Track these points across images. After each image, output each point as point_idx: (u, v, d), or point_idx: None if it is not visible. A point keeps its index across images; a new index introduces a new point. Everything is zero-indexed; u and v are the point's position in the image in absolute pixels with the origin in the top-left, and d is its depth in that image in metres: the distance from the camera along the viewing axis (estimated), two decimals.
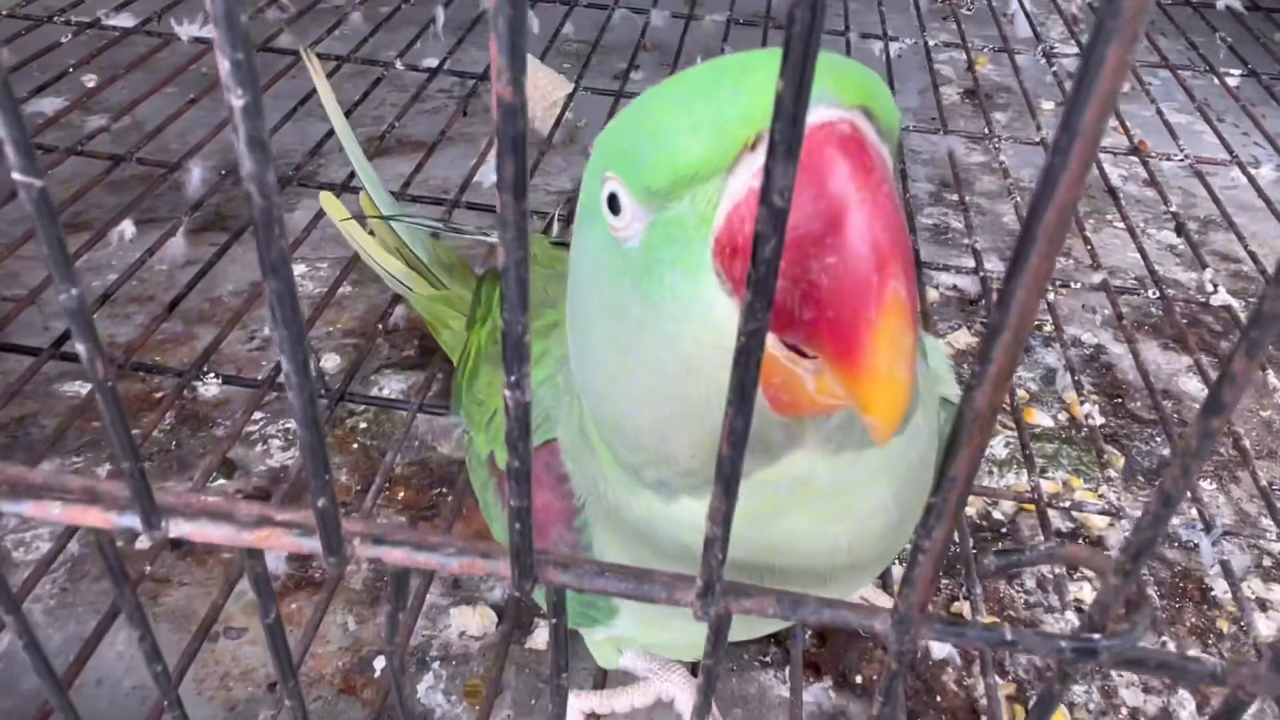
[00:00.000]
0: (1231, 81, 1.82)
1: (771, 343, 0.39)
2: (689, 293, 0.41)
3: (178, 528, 0.42)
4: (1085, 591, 0.99)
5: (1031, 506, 0.99)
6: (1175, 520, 1.05)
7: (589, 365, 0.50)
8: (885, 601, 0.86)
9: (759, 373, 0.31)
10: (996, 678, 0.84)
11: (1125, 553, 0.37)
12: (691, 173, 0.40)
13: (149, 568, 0.87)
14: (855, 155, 0.37)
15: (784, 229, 0.28)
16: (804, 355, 0.41)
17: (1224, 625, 0.98)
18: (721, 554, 0.38)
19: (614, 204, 0.43)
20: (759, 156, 0.40)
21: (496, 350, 0.76)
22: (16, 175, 0.29)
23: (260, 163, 0.29)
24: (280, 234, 0.32)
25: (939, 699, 0.89)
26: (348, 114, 1.50)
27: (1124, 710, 0.89)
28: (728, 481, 0.34)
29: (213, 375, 1.04)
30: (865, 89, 0.40)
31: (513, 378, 0.32)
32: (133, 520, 0.42)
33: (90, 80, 1.69)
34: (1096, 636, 0.39)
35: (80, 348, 0.35)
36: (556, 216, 1.15)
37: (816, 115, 0.38)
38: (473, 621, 0.91)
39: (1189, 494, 1.00)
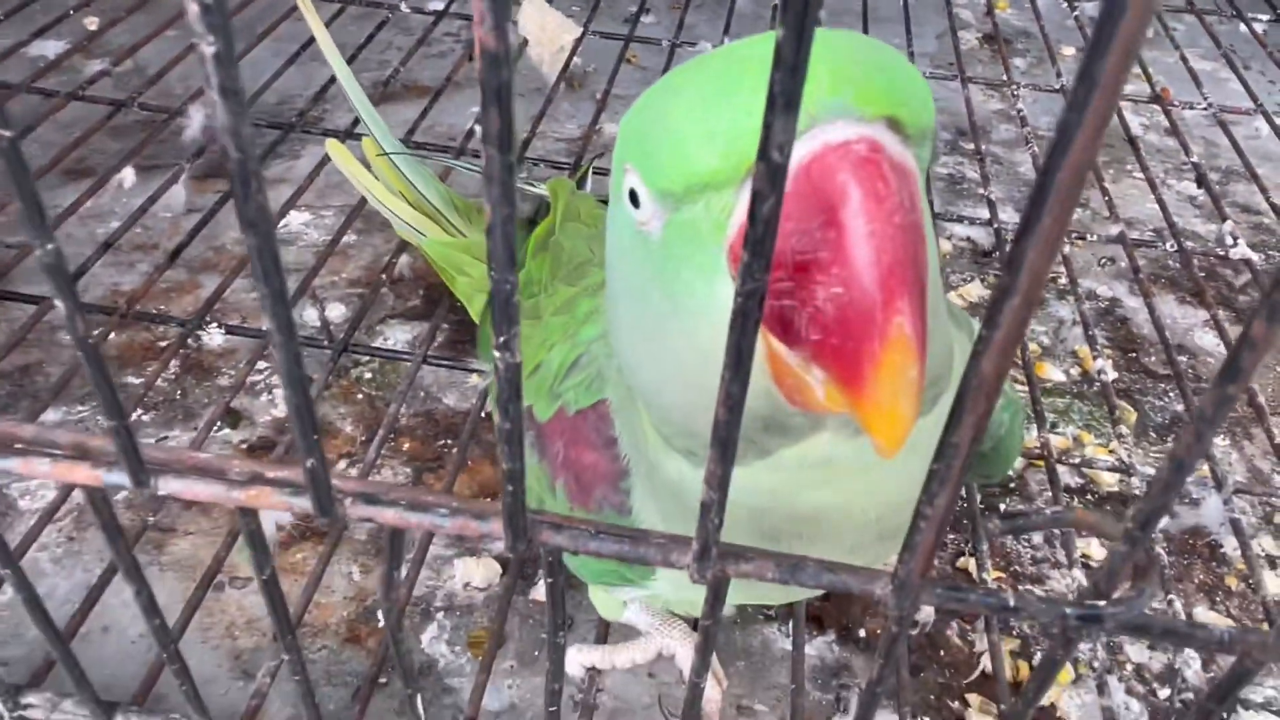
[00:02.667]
0: (1259, 27, 1.77)
1: (783, 348, 0.39)
2: (704, 292, 0.41)
3: (167, 485, 0.42)
4: (1094, 547, 0.98)
5: (1041, 462, 0.98)
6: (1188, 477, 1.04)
7: (621, 339, 0.51)
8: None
9: (755, 336, 0.30)
10: (1000, 634, 0.84)
11: (1134, 519, 0.36)
12: (705, 182, 0.40)
13: (153, 518, 0.87)
14: (868, 183, 0.36)
15: (782, 186, 0.27)
16: None
17: (1232, 582, 0.97)
18: (718, 518, 0.37)
19: (634, 197, 0.43)
20: None
21: (531, 304, 0.75)
22: None
23: (235, 114, 0.28)
24: (259, 188, 0.31)
25: (942, 653, 0.89)
26: (352, 58, 1.48)
27: (1129, 666, 0.89)
28: (724, 445, 0.34)
29: (216, 325, 1.03)
30: (891, 96, 0.38)
31: (502, 339, 0.31)
32: (121, 477, 0.41)
33: (91, 23, 1.66)
34: (1102, 603, 0.39)
35: (60, 304, 0.34)
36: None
37: (833, 133, 0.37)
38: (477, 572, 0.91)
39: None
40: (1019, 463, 1.06)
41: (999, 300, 0.28)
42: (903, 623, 0.40)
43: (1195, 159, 1.38)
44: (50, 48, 1.53)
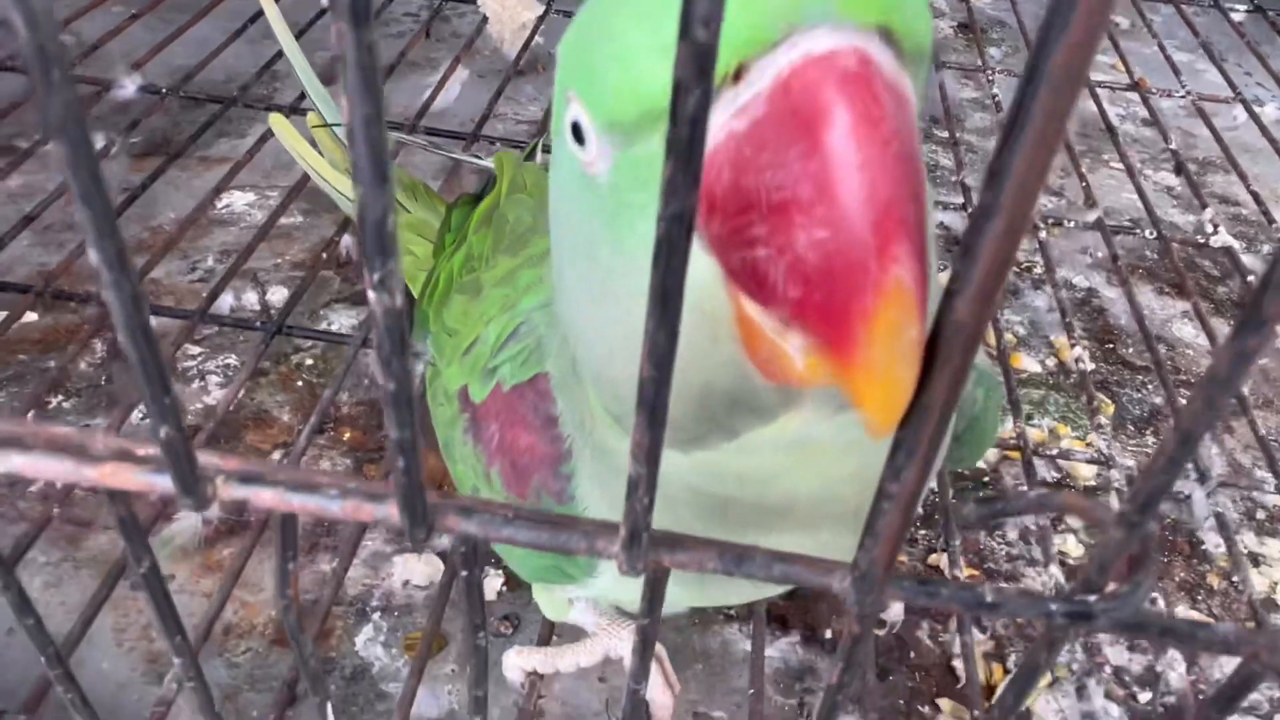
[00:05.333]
0: (1236, 17, 1.74)
1: (756, 310, 0.33)
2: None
3: (7, 461, 0.36)
4: (1070, 544, 0.94)
5: (1016, 454, 0.94)
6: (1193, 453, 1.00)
7: (565, 301, 0.44)
8: None
9: (683, 271, 0.25)
10: (975, 633, 0.79)
11: (1132, 501, 0.31)
12: (661, 105, 0.32)
13: (58, 509, 0.80)
14: (859, 102, 0.29)
15: (711, 73, 0.21)
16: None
17: (1214, 580, 0.93)
18: (648, 497, 0.32)
19: (578, 131, 0.36)
20: (745, 89, 0.31)
21: (471, 279, 0.69)
22: None
23: (128, 308, 0.22)
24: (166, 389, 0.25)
25: (912, 655, 0.84)
26: (300, 34, 1.41)
27: (1108, 669, 0.84)
28: (651, 408, 0.28)
29: None
30: (885, 1, 0.31)
31: (376, 275, 0.25)
32: None
33: None
34: (1092, 598, 0.34)
35: None
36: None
37: (815, 42, 0.30)
38: (418, 570, 0.85)
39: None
40: (992, 454, 1.01)
41: (978, 224, 0.23)
42: (865, 621, 0.35)
43: (1174, 147, 1.34)
44: None
